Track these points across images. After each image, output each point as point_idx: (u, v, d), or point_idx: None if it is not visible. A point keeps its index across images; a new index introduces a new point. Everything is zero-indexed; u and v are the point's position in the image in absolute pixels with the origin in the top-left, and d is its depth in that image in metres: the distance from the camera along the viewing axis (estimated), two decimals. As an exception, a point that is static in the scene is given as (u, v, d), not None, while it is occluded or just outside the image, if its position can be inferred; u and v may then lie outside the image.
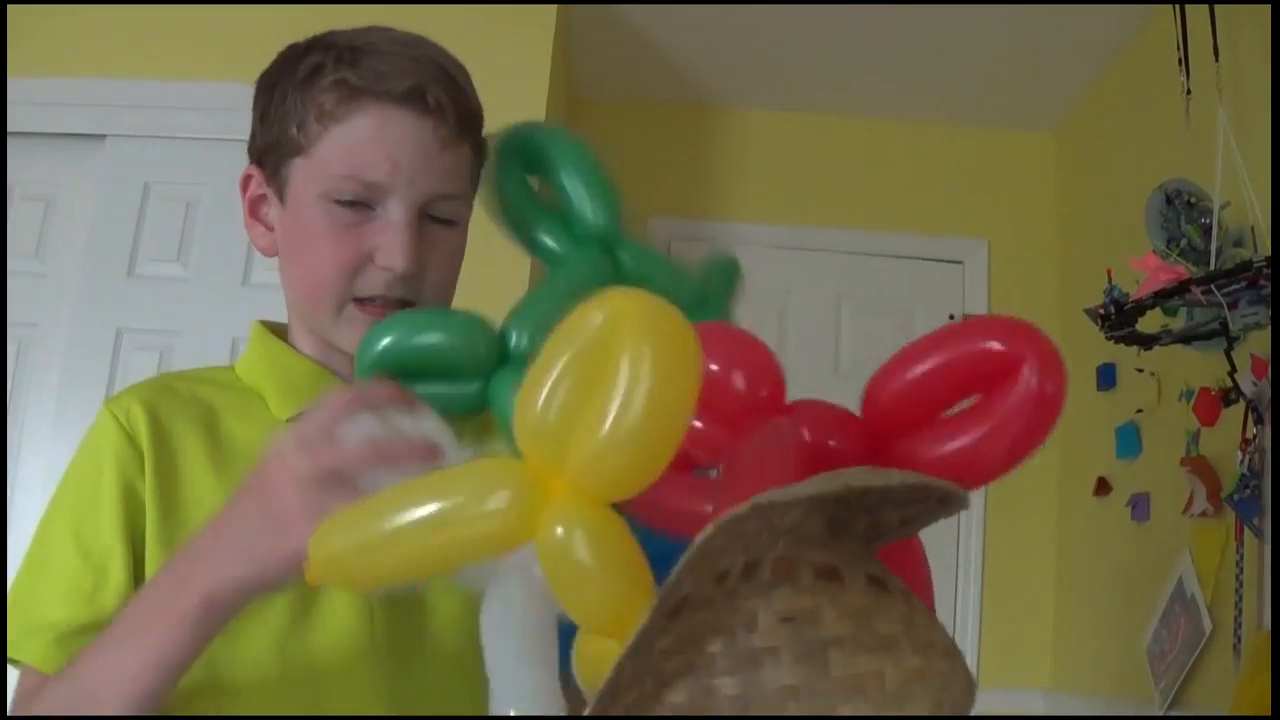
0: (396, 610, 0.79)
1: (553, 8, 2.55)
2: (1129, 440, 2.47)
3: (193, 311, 2.37)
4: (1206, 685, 2.03)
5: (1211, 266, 1.89)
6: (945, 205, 3.16)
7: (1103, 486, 2.57)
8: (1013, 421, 0.58)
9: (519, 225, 0.86)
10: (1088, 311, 2.05)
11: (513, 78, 2.48)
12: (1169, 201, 2.05)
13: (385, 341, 0.75)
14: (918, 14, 2.65)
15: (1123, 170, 2.67)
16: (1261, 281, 1.71)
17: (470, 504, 0.50)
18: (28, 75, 2.42)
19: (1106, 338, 2.03)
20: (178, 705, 0.71)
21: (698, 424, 0.63)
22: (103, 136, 2.46)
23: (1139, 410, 2.44)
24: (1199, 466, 2.08)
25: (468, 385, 0.75)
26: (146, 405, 0.82)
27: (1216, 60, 2.09)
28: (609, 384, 0.45)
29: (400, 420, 0.62)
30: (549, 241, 0.85)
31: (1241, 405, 1.94)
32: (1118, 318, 1.97)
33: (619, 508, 0.51)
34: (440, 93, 0.79)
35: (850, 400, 0.67)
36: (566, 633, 0.52)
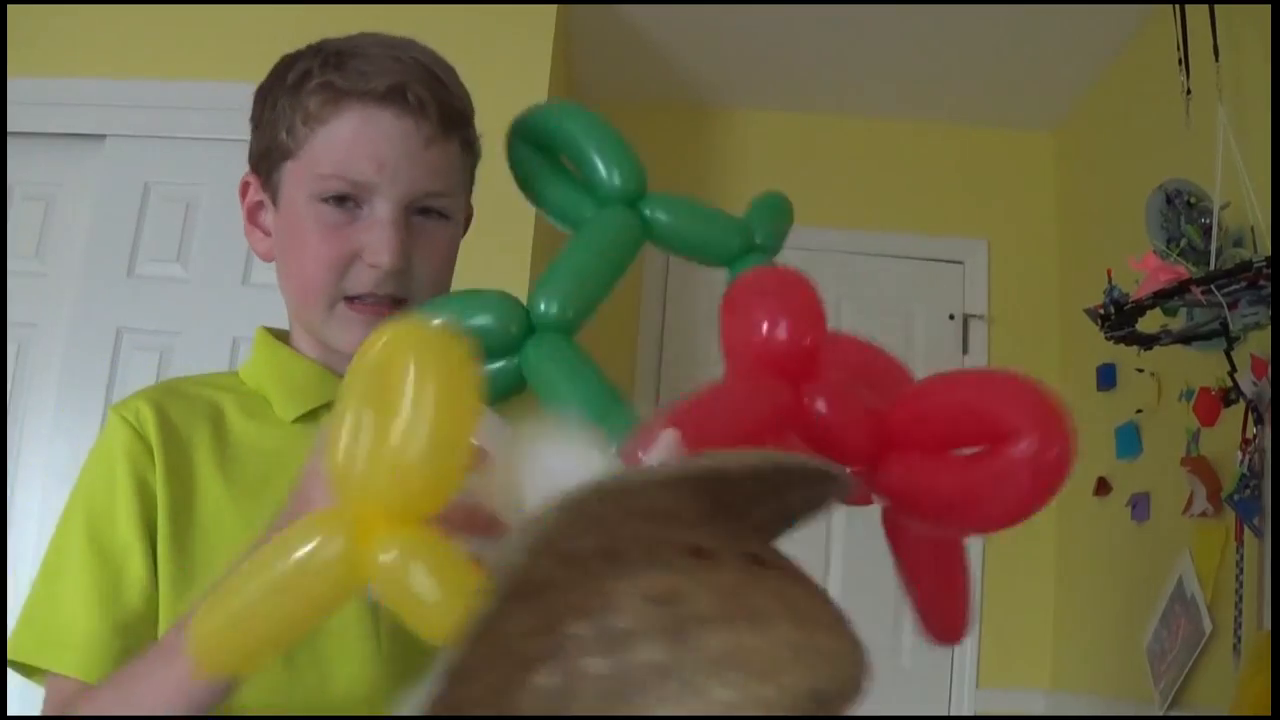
0: None
1: (553, 8, 2.55)
2: (1129, 440, 2.47)
3: (193, 311, 2.37)
4: (1206, 685, 2.03)
5: (1211, 266, 1.89)
6: (945, 205, 3.16)
7: (1103, 486, 2.57)
8: (1001, 485, 0.58)
9: (545, 202, 0.85)
10: (1088, 311, 2.05)
11: (513, 78, 2.48)
12: (1169, 201, 2.05)
13: None
14: (917, 14, 2.65)
15: (1123, 170, 2.68)
16: (1261, 281, 1.71)
17: (303, 563, 0.51)
18: (28, 75, 2.42)
19: (1106, 338, 2.03)
20: None
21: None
22: (103, 136, 2.46)
23: (1139, 410, 2.44)
24: (1199, 466, 2.09)
25: (503, 363, 0.73)
26: (154, 405, 0.83)
27: (1216, 60, 2.09)
28: (392, 415, 0.50)
29: None
30: (576, 211, 0.84)
31: (1241, 405, 1.94)
32: (1118, 318, 1.97)
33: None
34: (422, 90, 0.80)
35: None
36: None
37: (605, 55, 2.98)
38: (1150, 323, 1.99)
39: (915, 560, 0.65)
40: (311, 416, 0.85)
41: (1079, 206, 2.98)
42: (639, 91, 3.18)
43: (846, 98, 3.13)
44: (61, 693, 0.75)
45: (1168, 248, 1.98)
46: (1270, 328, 1.78)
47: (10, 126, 2.36)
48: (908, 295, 3.09)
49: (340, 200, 0.80)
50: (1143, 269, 1.89)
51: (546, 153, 0.85)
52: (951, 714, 2.76)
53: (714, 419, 0.58)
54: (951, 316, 3.09)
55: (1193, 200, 2.03)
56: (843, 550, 2.88)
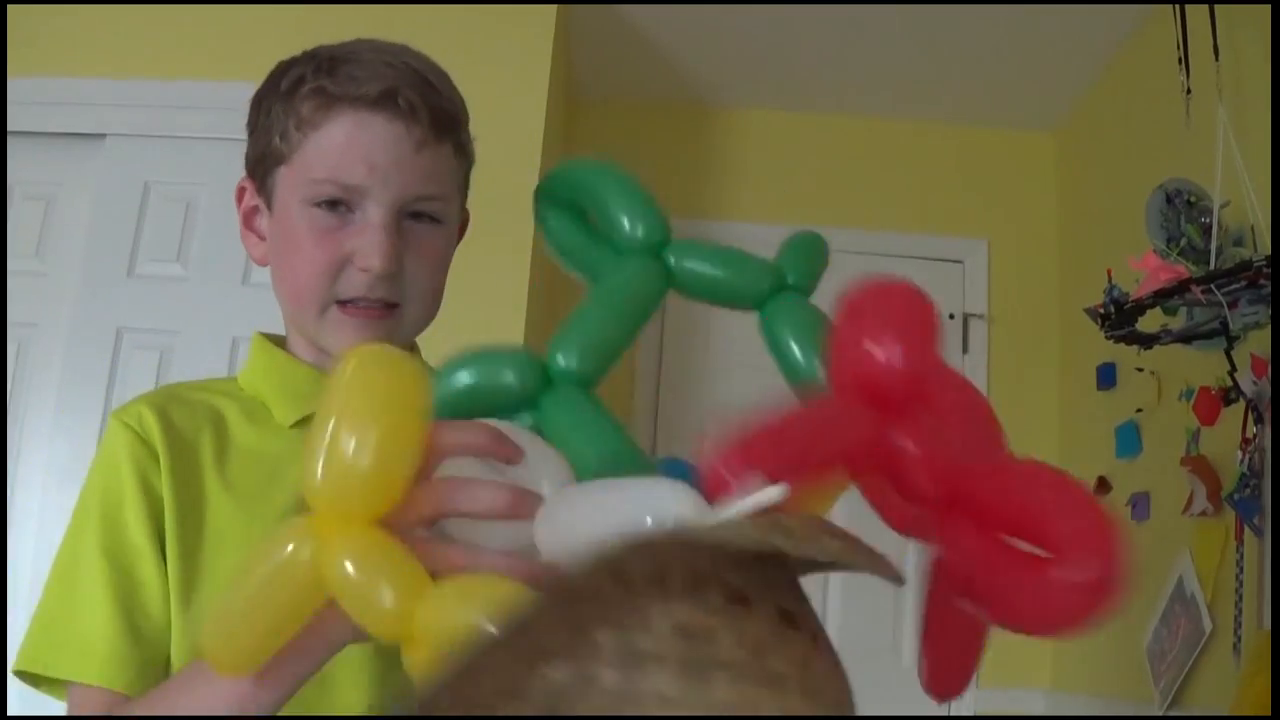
0: None
1: (553, 8, 2.55)
2: (1129, 440, 2.47)
3: (193, 311, 2.37)
4: (1206, 685, 2.03)
5: (1211, 266, 1.89)
6: (945, 205, 3.16)
7: (1103, 486, 2.57)
8: (1040, 598, 0.56)
9: (574, 261, 0.82)
10: (1088, 311, 2.05)
11: (513, 78, 2.48)
12: (1169, 201, 2.05)
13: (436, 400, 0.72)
14: (918, 14, 2.65)
15: (1123, 170, 2.68)
16: (1261, 281, 1.72)
17: (278, 567, 0.56)
18: (28, 75, 2.42)
19: (1106, 337, 2.03)
20: None
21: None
22: (103, 136, 2.47)
23: (1139, 410, 2.44)
24: (1199, 466, 2.09)
25: (520, 418, 0.71)
26: (157, 409, 0.83)
27: (1216, 60, 2.09)
28: (344, 428, 0.56)
29: (490, 468, 0.61)
30: (602, 263, 0.82)
31: (1241, 405, 1.94)
32: (1118, 317, 1.97)
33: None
34: (413, 95, 0.80)
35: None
36: None
37: (605, 55, 2.98)
38: (1150, 322, 1.99)
39: (942, 622, 0.64)
40: (309, 421, 0.85)
41: (1079, 206, 2.99)
42: (639, 91, 3.18)
43: (846, 98, 3.13)
44: (90, 701, 0.75)
45: (1168, 247, 1.98)
46: (1270, 327, 1.79)
47: (10, 126, 2.36)
48: (908, 295, 3.09)
49: (333, 205, 0.81)
50: (1143, 268, 1.89)
51: (572, 211, 0.84)
52: (951, 714, 2.77)
53: (786, 443, 0.56)
54: (951, 316, 3.09)
55: (1193, 199, 2.03)
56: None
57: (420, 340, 0.92)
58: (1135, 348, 2.06)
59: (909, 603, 2.87)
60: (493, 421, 0.63)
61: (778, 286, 0.80)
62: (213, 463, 0.82)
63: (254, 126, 0.86)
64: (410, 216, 0.82)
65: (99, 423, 2.25)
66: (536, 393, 0.68)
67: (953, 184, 3.17)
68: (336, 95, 0.80)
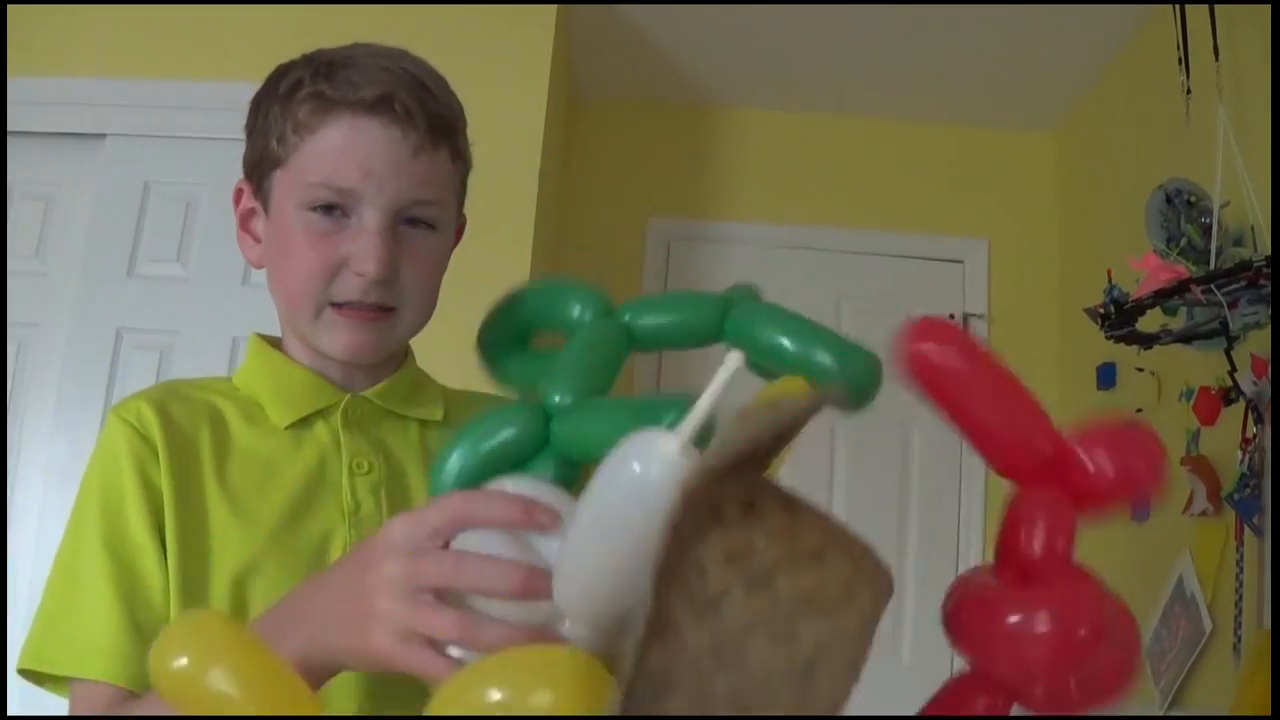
0: None
1: (553, 8, 2.55)
2: (1129, 440, 2.47)
3: (193, 311, 2.37)
4: (1206, 685, 2.03)
5: (1211, 266, 1.89)
6: (945, 205, 3.16)
7: (1103, 486, 2.57)
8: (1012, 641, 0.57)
9: (523, 381, 0.84)
10: (1088, 311, 2.05)
11: (513, 78, 2.48)
12: (1169, 201, 2.05)
13: (453, 471, 0.71)
14: (917, 14, 2.65)
15: (1123, 170, 2.68)
16: (1261, 281, 1.71)
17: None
18: (28, 75, 2.42)
19: (1106, 337, 2.03)
20: None
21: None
22: (103, 136, 2.47)
23: (1139, 410, 2.44)
24: (1199, 466, 2.09)
25: (541, 467, 0.72)
26: (156, 405, 0.83)
27: (1216, 60, 2.09)
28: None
29: (517, 539, 0.60)
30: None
31: (1241, 405, 1.94)
32: (1118, 317, 1.97)
33: None
34: (409, 100, 0.80)
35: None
36: None
37: (605, 55, 2.98)
38: (1150, 322, 1.99)
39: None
40: (304, 423, 0.85)
41: (1079, 206, 2.99)
42: (639, 91, 3.18)
43: (846, 98, 3.13)
44: (96, 697, 0.75)
45: (1168, 247, 1.98)
46: (1270, 327, 1.79)
47: (10, 126, 2.36)
48: (908, 295, 3.09)
49: (328, 209, 0.81)
50: (1143, 268, 1.89)
51: (515, 344, 0.85)
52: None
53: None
54: (951, 316, 3.09)
55: (1193, 199, 2.03)
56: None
57: (416, 342, 0.92)
58: (1135, 348, 2.06)
59: (909, 603, 2.87)
60: (521, 482, 0.63)
61: (723, 311, 0.81)
62: (211, 460, 0.82)
63: (252, 129, 0.86)
64: (406, 222, 0.82)
65: (99, 422, 2.25)
66: (545, 432, 0.69)
67: (953, 184, 3.17)
68: (333, 99, 0.80)
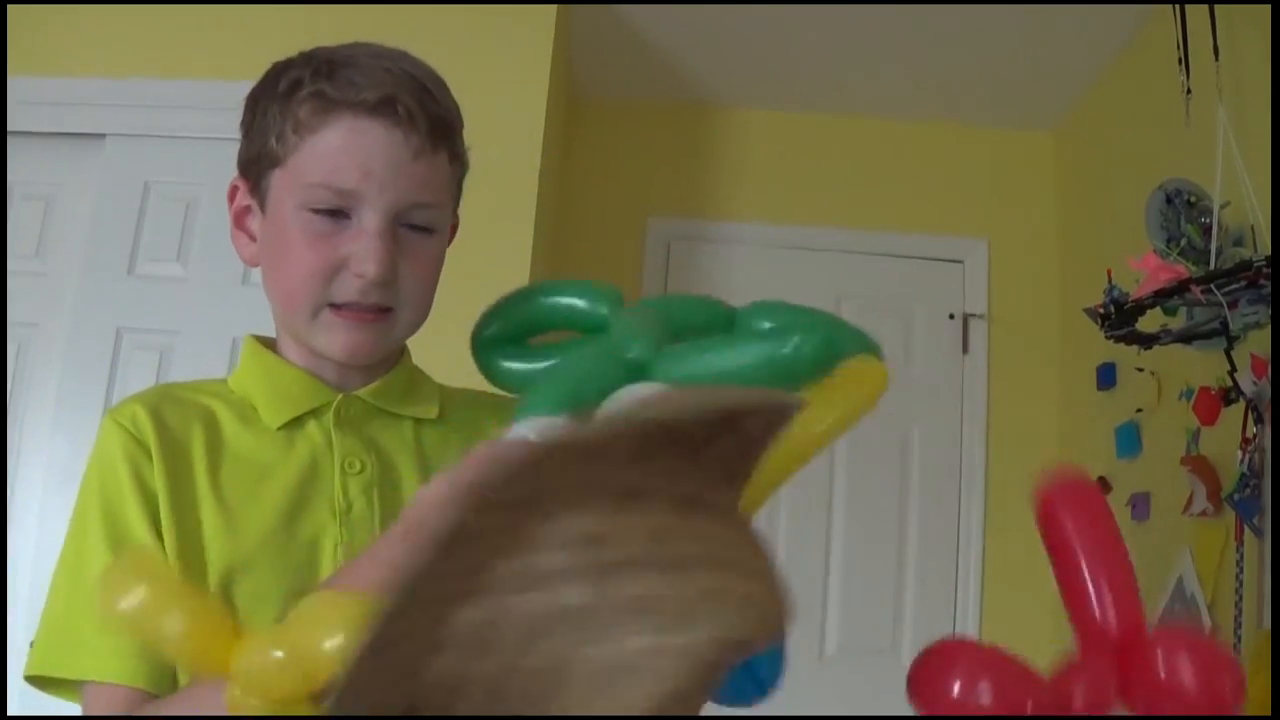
0: None
1: (553, 8, 2.55)
2: (1129, 440, 2.47)
3: (193, 311, 2.37)
4: (1206, 685, 2.03)
5: (1211, 266, 1.89)
6: (945, 205, 3.16)
7: (1103, 486, 2.57)
8: None
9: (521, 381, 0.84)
10: (1088, 311, 2.05)
11: (513, 78, 2.48)
12: (1169, 201, 2.05)
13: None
14: (917, 14, 2.65)
15: (1123, 170, 2.67)
16: (1261, 281, 1.72)
17: None
18: (28, 75, 2.42)
19: (1106, 337, 2.03)
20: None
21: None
22: (103, 136, 2.46)
23: (1139, 410, 2.44)
24: (1199, 466, 2.09)
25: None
26: (149, 407, 0.83)
27: (1216, 60, 2.09)
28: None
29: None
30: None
31: (1241, 404, 1.94)
32: (1118, 317, 1.97)
33: None
34: (411, 102, 0.80)
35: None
36: None
37: (605, 55, 2.98)
38: (1150, 322, 1.99)
39: None
40: (297, 423, 0.85)
41: (1079, 206, 2.98)
42: (639, 91, 3.18)
43: (846, 98, 3.13)
44: (114, 700, 0.74)
45: (1168, 247, 1.98)
46: (1270, 327, 1.79)
47: (10, 126, 2.36)
48: (908, 295, 3.09)
49: (329, 211, 0.81)
50: (1143, 268, 1.89)
51: (511, 344, 0.85)
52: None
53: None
54: (951, 316, 3.09)
55: (1193, 200, 2.03)
56: (842, 548, 2.88)
57: (414, 342, 0.92)
58: (1135, 348, 2.06)
59: (909, 603, 2.87)
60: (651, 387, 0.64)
61: (717, 314, 0.82)
62: (204, 462, 0.82)
63: (249, 127, 0.86)
64: (403, 225, 0.82)
65: (99, 422, 2.24)
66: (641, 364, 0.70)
67: (953, 184, 3.17)
68: (335, 99, 0.79)
